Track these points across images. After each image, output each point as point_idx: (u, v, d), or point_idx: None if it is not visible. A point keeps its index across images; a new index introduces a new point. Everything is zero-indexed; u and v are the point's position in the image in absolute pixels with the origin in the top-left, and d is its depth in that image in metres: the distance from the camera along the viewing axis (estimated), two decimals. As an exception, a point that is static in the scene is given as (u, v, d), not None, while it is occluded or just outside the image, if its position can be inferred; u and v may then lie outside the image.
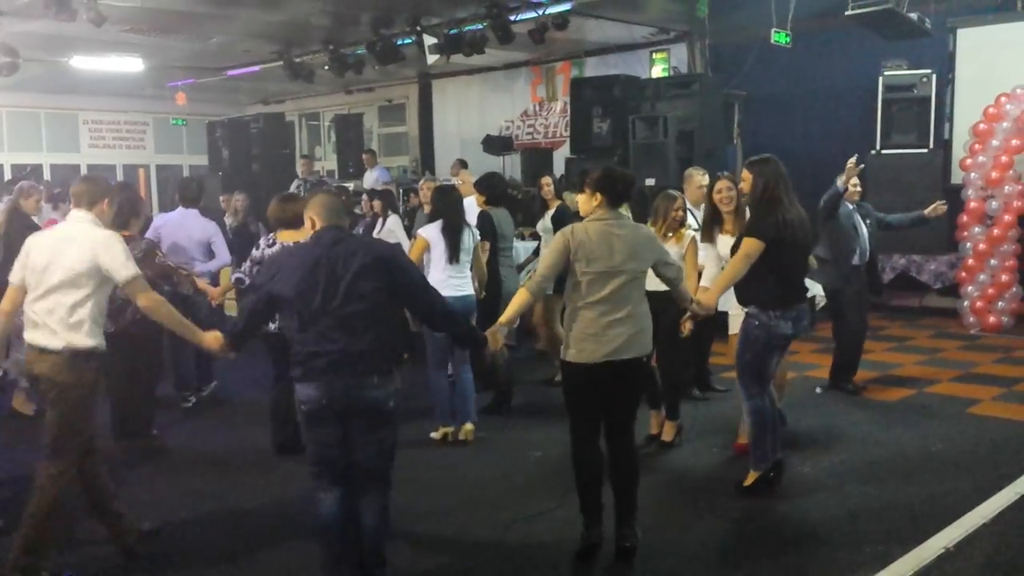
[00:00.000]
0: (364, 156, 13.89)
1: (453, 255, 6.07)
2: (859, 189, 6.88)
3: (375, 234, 8.76)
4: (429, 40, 11.23)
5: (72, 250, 3.98)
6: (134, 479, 5.36)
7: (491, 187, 7.10)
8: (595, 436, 4.18)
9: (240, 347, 4.01)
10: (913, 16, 8.48)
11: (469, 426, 6.10)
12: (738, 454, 5.50)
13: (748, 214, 4.97)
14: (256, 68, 14.48)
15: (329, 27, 11.89)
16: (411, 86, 16.59)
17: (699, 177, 6.65)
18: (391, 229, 8.56)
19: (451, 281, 6.06)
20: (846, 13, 8.34)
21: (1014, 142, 9.30)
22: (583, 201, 4.25)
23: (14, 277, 4.10)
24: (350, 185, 12.30)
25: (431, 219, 6.47)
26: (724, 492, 4.94)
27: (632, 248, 4.05)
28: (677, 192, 5.96)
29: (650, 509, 4.52)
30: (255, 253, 5.89)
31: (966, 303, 9.65)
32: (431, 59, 11.38)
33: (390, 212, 8.79)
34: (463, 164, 12.76)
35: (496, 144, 13.76)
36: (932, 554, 4.03)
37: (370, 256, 3.69)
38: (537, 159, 12.69)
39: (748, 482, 4.87)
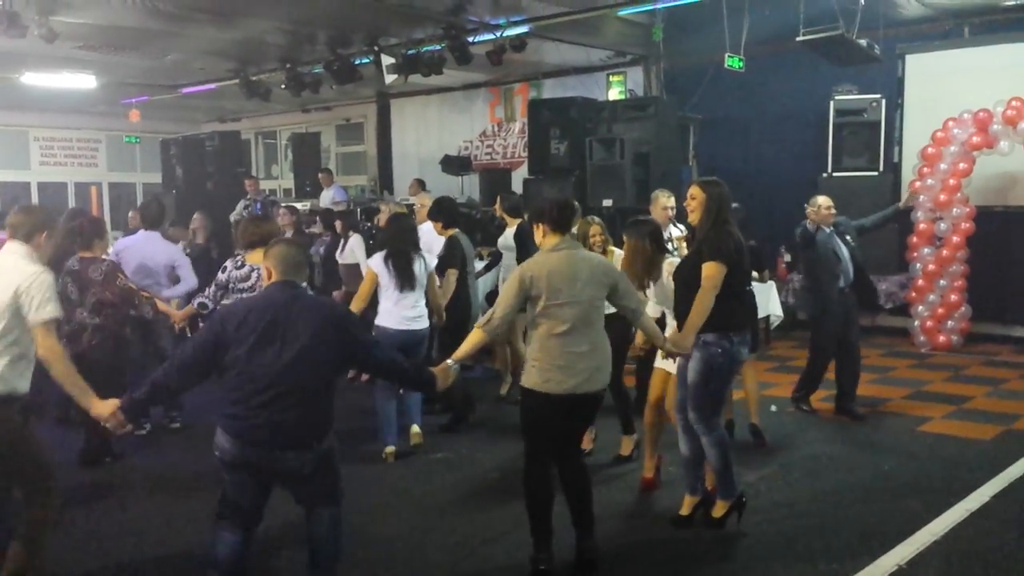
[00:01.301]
0: (320, 175, 13.80)
1: (403, 284, 5.99)
2: (832, 212, 6.84)
3: (338, 254, 8.73)
4: (387, 60, 11.22)
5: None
6: (101, 509, 5.24)
7: (445, 212, 7.05)
8: (550, 461, 4.18)
9: (141, 414, 3.82)
10: (863, 42, 8.66)
11: (415, 428, 6.15)
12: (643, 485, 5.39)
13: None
14: (212, 86, 14.36)
15: (286, 46, 11.84)
16: (369, 105, 16.55)
17: (664, 199, 6.74)
18: (352, 249, 8.52)
19: (401, 313, 6.01)
20: (797, 39, 8.49)
21: (961, 165, 9.53)
22: (536, 236, 4.27)
23: None
24: (306, 205, 12.20)
25: (380, 247, 6.41)
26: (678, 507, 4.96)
27: (589, 275, 4.08)
28: (594, 217, 6.05)
29: (606, 525, 4.52)
30: (220, 276, 5.76)
31: (916, 322, 9.84)
32: (389, 79, 11.36)
33: (351, 232, 8.74)
34: (421, 184, 12.77)
35: (455, 164, 13.77)
36: (884, 572, 4.08)
37: (320, 321, 3.58)
38: (496, 180, 12.72)
39: (718, 513, 4.70)
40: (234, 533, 3.63)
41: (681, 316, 4.56)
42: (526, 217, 7.91)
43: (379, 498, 5.35)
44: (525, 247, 7.47)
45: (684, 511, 4.81)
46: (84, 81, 13.01)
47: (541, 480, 4.15)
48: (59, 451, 5.68)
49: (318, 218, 9.64)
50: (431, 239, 7.18)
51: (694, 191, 4.66)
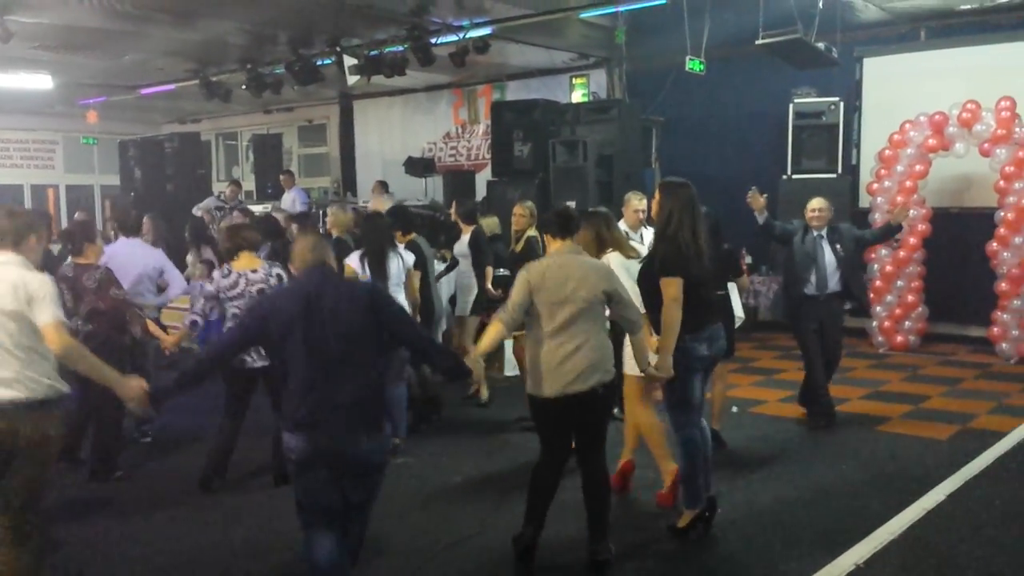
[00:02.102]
0: (282, 177, 13.69)
1: (377, 281, 6.03)
2: (817, 214, 6.73)
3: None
4: (349, 61, 11.15)
5: None
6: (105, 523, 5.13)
7: (401, 219, 7.14)
8: (563, 460, 4.32)
9: (180, 394, 3.76)
10: (820, 46, 8.76)
11: (396, 441, 6.16)
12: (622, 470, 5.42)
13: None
14: (171, 86, 14.18)
15: (246, 46, 11.72)
16: (332, 107, 16.45)
17: (636, 201, 6.78)
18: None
19: None
20: (756, 42, 8.57)
21: (918, 167, 9.69)
22: (547, 244, 4.46)
23: None
24: (267, 207, 12.08)
25: (357, 246, 6.51)
26: (640, 509, 4.98)
27: (582, 276, 4.19)
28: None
29: (565, 524, 4.53)
30: (208, 289, 5.58)
31: (875, 323, 9.98)
32: (351, 80, 11.30)
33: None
34: (384, 187, 12.70)
35: (418, 166, 13.72)
36: (843, 571, 4.13)
37: (355, 298, 3.63)
38: (460, 182, 12.70)
39: (683, 523, 4.66)
40: (326, 535, 3.55)
41: (651, 323, 4.64)
42: (478, 221, 8.05)
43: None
44: (480, 252, 7.54)
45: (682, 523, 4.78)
46: (40, 81, 12.76)
47: (546, 473, 4.31)
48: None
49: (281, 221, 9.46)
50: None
51: (656, 193, 4.73)
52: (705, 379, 4.88)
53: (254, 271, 5.56)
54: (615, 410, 6.83)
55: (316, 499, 3.53)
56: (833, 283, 6.70)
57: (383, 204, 8.14)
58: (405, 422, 6.35)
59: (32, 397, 3.60)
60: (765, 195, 6.71)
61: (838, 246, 6.73)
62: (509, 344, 7.67)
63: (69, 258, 6.02)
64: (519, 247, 7.27)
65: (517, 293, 4.20)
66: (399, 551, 4.58)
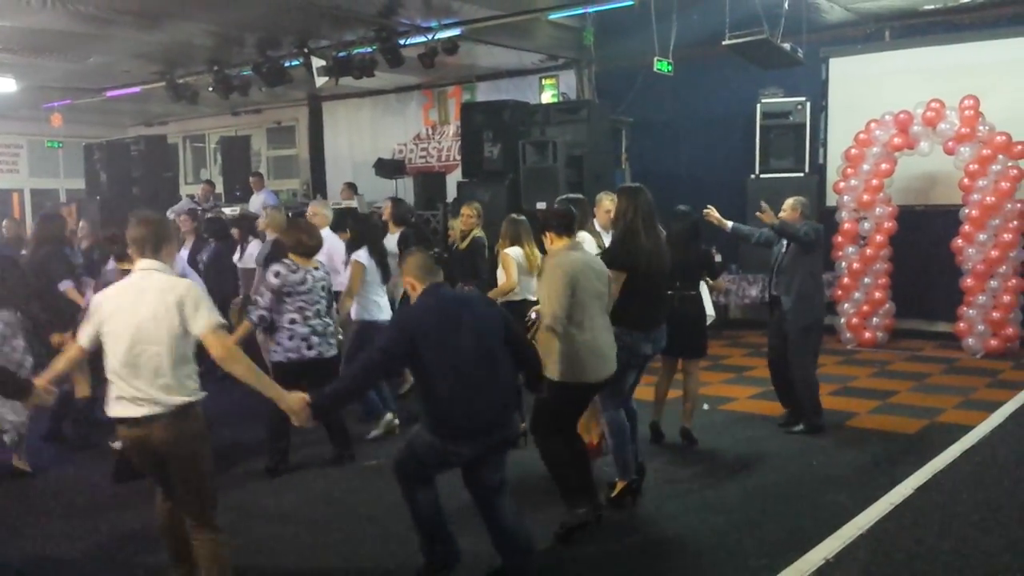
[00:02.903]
0: (251, 179, 13.57)
1: (386, 277, 6.68)
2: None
3: (236, 259, 8.67)
4: (317, 62, 11.09)
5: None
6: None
7: (362, 227, 7.32)
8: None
9: (326, 414, 4.20)
10: (786, 46, 8.84)
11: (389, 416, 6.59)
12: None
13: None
14: (137, 89, 14.01)
15: (213, 48, 11.61)
16: (300, 108, 16.34)
17: (608, 202, 6.80)
18: (252, 254, 8.48)
19: (383, 304, 6.68)
20: (723, 43, 8.63)
21: (883, 166, 9.80)
22: (547, 242, 4.72)
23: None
24: (235, 209, 11.97)
25: (353, 245, 6.83)
26: (609, 516, 4.99)
27: (598, 272, 4.59)
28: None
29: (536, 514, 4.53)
30: (273, 282, 5.63)
31: (843, 320, 10.09)
32: (320, 82, 11.23)
33: (251, 237, 8.71)
34: (353, 188, 12.65)
35: (388, 167, 13.67)
36: (812, 566, 4.15)
37: (479, 308, 4.01)
38: (430, 183, 12.67)
39: (615, 493, 5.06)
40: (428, 490, 3.98)
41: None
42: (450, 225, 8.17)
43: (312, 507, 5.28)
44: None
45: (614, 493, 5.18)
46: (4, 85, 12.60)
47: (577, 446, 4.66)
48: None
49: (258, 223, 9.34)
50: (332, 245, 7.40)
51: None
52: (639, 375, 5.34)
53: (316, 268, 5.85)
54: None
55: (426, 465, 3.94)
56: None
57: (323, 210, 8.17)
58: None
59: (180, 402, 3.61)
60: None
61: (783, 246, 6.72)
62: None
63: (111, 262, 6.01)
64: (464, 245, 7.40)
65: (563, 292, 4.39)
66: (371, 553, 4.56)
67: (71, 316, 6.32)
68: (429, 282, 3.96)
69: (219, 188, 15.57)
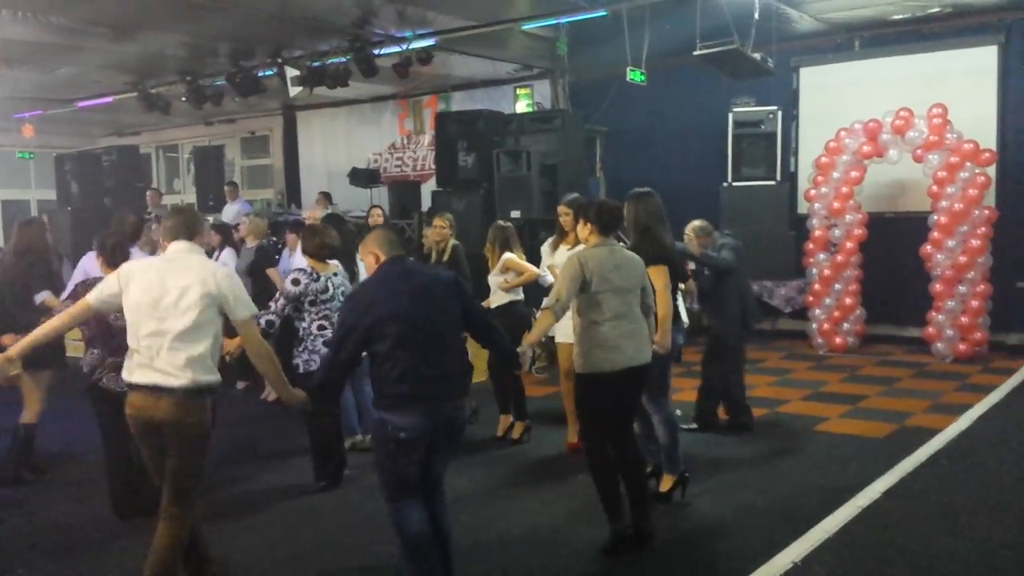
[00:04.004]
0: (226, 188, 13.53)
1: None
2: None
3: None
4: (291, 72, 11.07)
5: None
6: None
7: (336, 227, 7.23)
8: (609, 437, 4.56)
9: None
10: (757, 56, 8.95)
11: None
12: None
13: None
14: (108, 99, 13.93)
15: (186, 58, 11.58)
16: (275, 118, 16.31)
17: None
18: (225, 261, 8.49)
19: None
20: (694, 53, 8.72)
21: (853, 174, 9.92)
22: (580, 231, 4.78)
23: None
24: (208, 219, 11.92)
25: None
26: (583, 516, 5.01)
27: (629, 268, 4.60)
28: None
29: (495, 508, 4.54)
30: (292, 289, 5.60)
31: (814, 325, 10.19)
32: (293, 92, 11.21)
33: (226, 245, 8.70)
34: (327, 198, 12.63)
35: (363, 177, 13.66)
36: (780, 570, 4.20)
37: (439, 283, 3.94)
38: (405, 192, 12.68)
39: (666, 487, 5.27)
40: (417, 506, 3.80)
41: None
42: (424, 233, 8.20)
43: (289, 517, 5.27)
44: None
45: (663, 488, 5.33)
46: (-27, 95, 12.51)
47: (607, 457, 4.53)
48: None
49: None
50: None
51: (626, 206, 5.21)
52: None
53: (335, 274, 5.81)
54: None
55: (411, 471, 3.77)
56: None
57: (317, 213, 8.17)
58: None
59: (192, 382, 3.71)
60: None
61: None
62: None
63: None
64: (447, 257, 7.28)
65: (570, 282, 4.43)
66: (348, 566, 4.55)
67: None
68: (393, 254, 3.92)
69: (192, 198, 15.52)
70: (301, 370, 5.64)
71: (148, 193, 12.93)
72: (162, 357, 3.70)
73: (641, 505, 4.55)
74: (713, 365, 6.91)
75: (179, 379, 3.69)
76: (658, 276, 4.96)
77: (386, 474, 3.81)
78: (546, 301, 4.53)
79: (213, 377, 3.82)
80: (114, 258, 4.87)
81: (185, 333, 3.71)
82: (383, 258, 3.90)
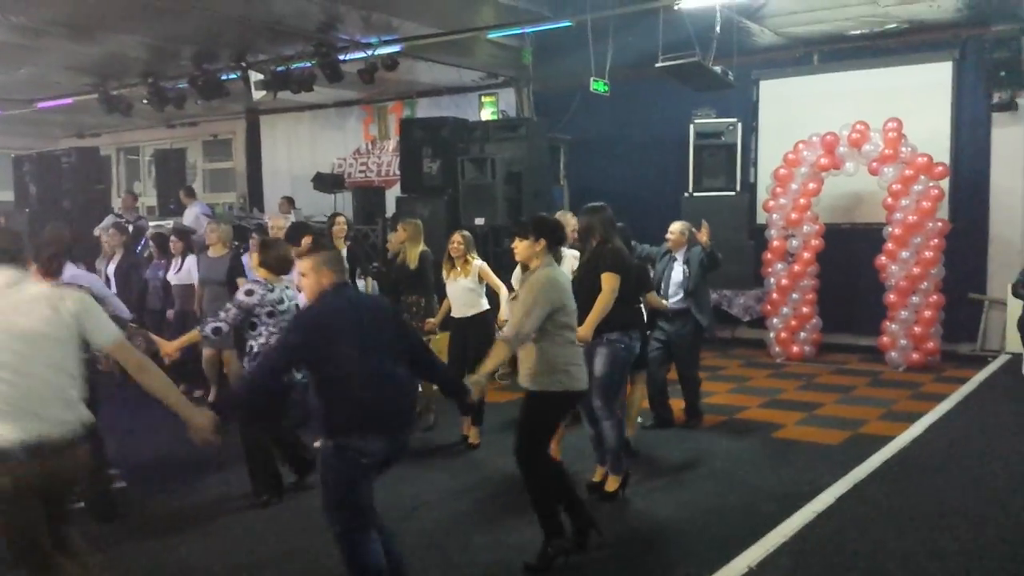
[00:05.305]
0: (181, 193, 13.34)
1: None
2: (669, 239, 7.20)
3: (172, 274, 8.59)
4: (255, 76, 11.04)
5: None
6: None
7: (301, 234, 7.20)
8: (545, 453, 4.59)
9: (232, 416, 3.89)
10: (717, 69, 9.09)
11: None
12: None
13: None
14: (69, 100, 13.75)
15: (148, 60, 11.47)
16: (238, 121, 16.19)
17: (572, 220, 7.01)
18: (189, 270, 8.45)
19: None
20: (656, 65, 8.85)
21: (811, 185, 10.11)
22: (525, 248, 4.53)
23: None
24: (169, 223, 11.83)
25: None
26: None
27: (568, 285, 4.61)
28: (464, 230, 7.13)
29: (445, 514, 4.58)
30: (245, 300, 5.42)
31: (772, 334, 10.35)
32: (257, 96, 11.18)
33: (189, 252, 8.64)
34: (291, 203, 12.60)
35: (327, 182, 13.61)
36: (736, 573, 4.29)
37: (386, 313, 3.96)
38: (370, 198, 12.67)
39: (612, 487, 5.43)
40: (375, 537, 3.74)
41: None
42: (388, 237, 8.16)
43: (249, 523, 5.25)
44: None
45: (597, 478, 5.59)
46: (-70, 94, 12.28)
47: (552, 473, 4.54)
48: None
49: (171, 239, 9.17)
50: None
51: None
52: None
53: (287, 287, 5.72)
54: None
55: (369, 497, 3.74)
56: (676, 300, 7.05)
57: (280, 221, 8.15)
58: None
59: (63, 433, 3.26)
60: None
61: (686, 267, 7.09)
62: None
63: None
64: (414, 265, 7.20)
65: (542, 309, 4.33)
66: (310, 570, 4.56)
67: None
68: (340, 279, 3.86)
69: (152, 201, 15.36)
70: None
71: (123, 196, 12.76)
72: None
73: (580, 506, 4.59)
74: (690, 356, 7.22)
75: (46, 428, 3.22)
76: (609, 280, 5.20)
77: (345, 505, 3.68)
78: (505, 331, 4.48)
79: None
80: (50, 268, 4.72)
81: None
82: (330, 282, 3.79)
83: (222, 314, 5.46)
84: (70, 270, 5.74)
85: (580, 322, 4.96)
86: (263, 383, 3.84)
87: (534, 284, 4.41)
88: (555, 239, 4.55)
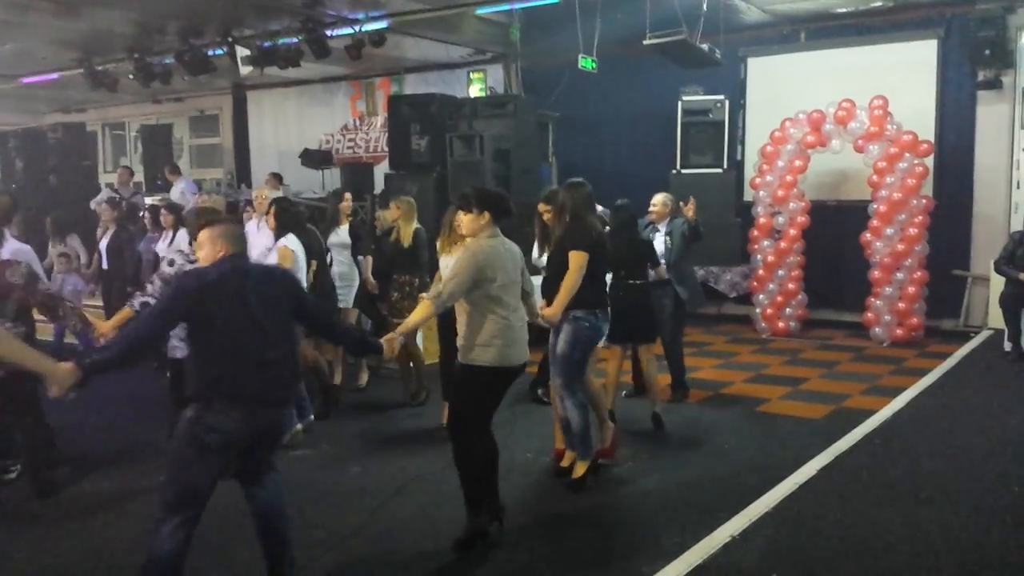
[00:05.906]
0: (166, 170, 13.29)
1: (310, 264, 6.51)
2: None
3: (164, 246, 8.55)
4: (242, 52, 11.00)
5: None
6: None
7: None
8: (485, 431, 4.51)
9: (101, 374, 3.54)
10: (704, 47, 9.12)
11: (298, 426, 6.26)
12: (557, 457, 5.70)
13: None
14: (54, 75, 13.67)
15: (134, 35, 11.41)
16: (225, 97, 16.13)
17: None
18: (180, 244, 8.42)
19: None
20: (644, 42, 8.86)
21: (797, 163, 10.17)
22: (470, 221, 4.50)
23: None
24: (157, 198, 11.80)
25: (278, 233, 6.59)
26: (528, 493, 5.15)
27: (515, 260, 4.56)
28: None
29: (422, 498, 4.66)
30: (167, 271, 5.37)
31: (758, 310, 10.45)
32: (244, 71, 11.14)
33: (180, 227, 8.60)
34: (278, 178, 12.58)
35: (315, 158, 13.62)
36: (719, 543, 4.38)
37: (276, 285, 3.86)
38: (358, 174, 12.67)
39: (579, 473, 5.26)
40: (188, 525, 3.53)
41: (550, 296, 5.14)
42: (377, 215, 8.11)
43: (233, 500, 5.29)
44: (361, 242, 8.06)
45: (564, 463, 5.47)
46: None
47: (490, 451, 4.50)
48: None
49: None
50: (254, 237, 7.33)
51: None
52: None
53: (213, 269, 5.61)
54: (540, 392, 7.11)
55: (204, 482, 3.56)
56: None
57: (265, 191, 8.15)
58: (310, 409, 6.55)
59: None
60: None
61: (668, 239, 7.14)
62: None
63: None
64: (408, 243, 7.24)
65: (466, 275, 4.30)
66: (296, 543, 4.61)
67: None
68: (236, 251, 3.79)
69: (140, 177, 15.30)
70: (179, 355, 5.67)
71: (119, 170, 12.70)
72: None
73: (491, 500, 4.54)
74: (674, 329, 7.22)
75: None
76: (576, 259, 5.07)
77: (175, 480, 3.54)
78: (431, 292, 4.52)
79: None
80: None
81: None
82: (223, 252, 3.75)
83: (149, 287, 5.38)
84: (11, 244, 5.78)
85: (550, 300, 5.10)
86: (141, 344, 3.67)
87: (465, 252, 4.47)
88: (499, 211, 4.49)
